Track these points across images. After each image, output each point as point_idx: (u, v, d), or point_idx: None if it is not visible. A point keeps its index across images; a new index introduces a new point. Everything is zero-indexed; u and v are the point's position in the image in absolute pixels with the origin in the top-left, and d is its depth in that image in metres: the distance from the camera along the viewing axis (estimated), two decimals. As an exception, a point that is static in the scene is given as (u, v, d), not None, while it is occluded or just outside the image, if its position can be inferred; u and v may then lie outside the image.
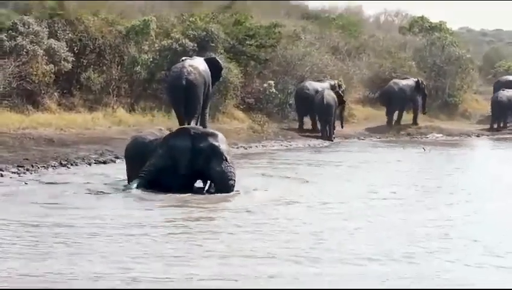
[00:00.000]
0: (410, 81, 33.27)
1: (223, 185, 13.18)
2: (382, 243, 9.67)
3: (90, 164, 17.55)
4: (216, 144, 13.33)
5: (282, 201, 12.92)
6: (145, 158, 13.58)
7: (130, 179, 13.93)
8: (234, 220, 11.12)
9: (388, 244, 9.54)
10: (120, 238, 9.62)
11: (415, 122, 33.29)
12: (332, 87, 29.19)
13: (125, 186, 13.60)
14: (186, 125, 17.30)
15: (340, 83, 30.72)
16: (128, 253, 8.77)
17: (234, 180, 13.26)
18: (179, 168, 13.21)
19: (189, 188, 13.39)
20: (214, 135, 13.59)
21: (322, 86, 29.13)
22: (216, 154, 13.22)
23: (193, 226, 10.59)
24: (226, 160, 13.19)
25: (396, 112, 32.79)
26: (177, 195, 12.90)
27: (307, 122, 29.16)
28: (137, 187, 13.25)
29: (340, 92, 29.06)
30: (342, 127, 29.42)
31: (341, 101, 28.54)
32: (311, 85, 29.34)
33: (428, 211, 12.44)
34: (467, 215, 12.14)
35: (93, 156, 18.34)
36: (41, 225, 10.29)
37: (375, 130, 31.19)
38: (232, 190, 13.24)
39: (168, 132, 14.34)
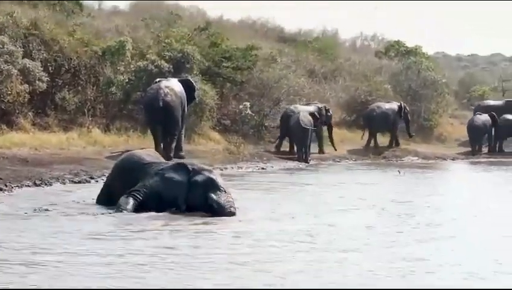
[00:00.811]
0: (393, 105, 33.53)
1: (223, 214, 12.86)
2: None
3: (64, 184, 17.36)
4: (213, 177, 13.22)
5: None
6: (137, 177, 13.41)
7: (110, 194, 13.76)
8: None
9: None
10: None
11: (391, 145, 33.39)
12: (319, 111, 29.43)
13: (118, 206, 13.06)
14: (183, 161, 16.61)
15: (327, 107, 30.80)
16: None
17: (234, 208, 13.00)
18: (179, 203, 13.03)
19: None
20: (209, 170, 13.50)
21: (308, 110, 29.21)
22: (214, 186, 13.10)
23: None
24: (225, 191, 13.07)
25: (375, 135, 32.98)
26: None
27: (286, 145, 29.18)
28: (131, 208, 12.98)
29: (320, 115, 29.20)
30: (335, 149, 30.44)
31: (326, 124, 29.69)
32: (297, 108, 29.31)
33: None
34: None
35: (68, 176, 18.15)
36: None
37: (351, 153, 31.18)
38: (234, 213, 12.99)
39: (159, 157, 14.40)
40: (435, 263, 9.66)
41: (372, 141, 32.82)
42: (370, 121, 32.76)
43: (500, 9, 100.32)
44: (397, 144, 33.51)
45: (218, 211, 12.86)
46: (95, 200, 14.14)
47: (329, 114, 30.54)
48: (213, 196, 12.95)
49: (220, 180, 13.22)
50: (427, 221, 13.41)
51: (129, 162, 13.98)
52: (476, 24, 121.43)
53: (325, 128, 30.42)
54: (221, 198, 12.96)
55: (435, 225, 13.06)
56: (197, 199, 12.98)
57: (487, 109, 37.64)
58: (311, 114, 28.30)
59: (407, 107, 33.95)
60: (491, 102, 39.81)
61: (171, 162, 14.30)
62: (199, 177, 13.12)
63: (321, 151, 30.19)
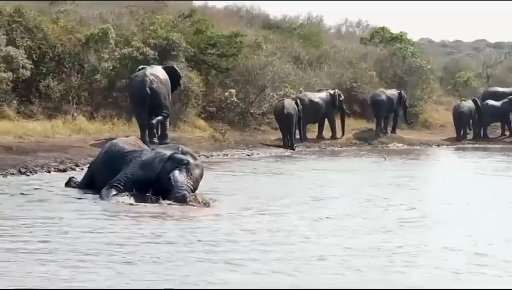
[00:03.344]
0: (394, 92, 34.26)
1: (173, 192, 12.59)
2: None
3: (49, 172, 17.29)
4: (190, 160, 13.05)
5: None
6: (119, 166, 13.40)
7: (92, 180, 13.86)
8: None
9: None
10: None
11: (394, 130, 34.30)
12: (333, 98, 31.12)
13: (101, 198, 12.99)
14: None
15: (339, 92, 32.00)
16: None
17: (188, 196, 12.58)
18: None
19: None
20: (193, 156, 13.38)
21: (320, 96, 31.03)
22: (177, 165, 12.93)
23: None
24: (186, 170, 12.89)
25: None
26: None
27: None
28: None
29: (333, 100, 31.12)
30: (343, 134, 31.67)
31: (339, 109, 31.50)
32: (306, 96, 30.68)
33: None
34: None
35: (53, 164, 18.07)
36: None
37: (338, 140, 31.23)
38: (186, 201, 12.53)
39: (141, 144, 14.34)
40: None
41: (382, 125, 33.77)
42: (377, 106, 33.14)
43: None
44: (394, 131, 34.27)
45: (170, 188, 12.60)
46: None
47: (341, 99, 31.70)
48: (176, 172, 12.77)
49: (193, 167, 12.93)
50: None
51: (111, 151, 14.03)
52: (460, 10, 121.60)
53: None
54: (181, 178, 12.73)
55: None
56: (166, 173, 12.79)
57: (494, 96, 37.83)
58: (295, 101, 28.37)
59: (406, 95, 34.63)
60: (499, 89, 39.79)
61: (151, 148, 14.21)
62: (179, 156, 13.04)
63: (333, 136, 31.28)
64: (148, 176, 12.90)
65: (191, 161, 13.04)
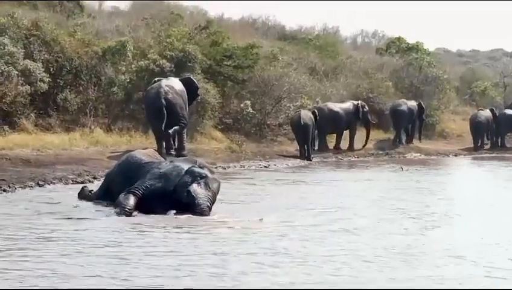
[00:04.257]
0: (414, 103, 34.40)
1: (194, 205, 12.63)
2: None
3: (67, 184, 17.32)
4: (207, 174, 13.05)
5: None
6: (136, 177, 13.43)
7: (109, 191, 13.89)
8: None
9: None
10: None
11: (411, 141, 34.46)
12: (356, 108, 31.25)
13: (118, 203, 12.94)
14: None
15: (363, 103, 32.12)
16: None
17: (210, 204, 12.74)
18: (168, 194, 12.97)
19: None
20: (209, 169, 13.41)
21: (341, 107, 31.23)
22: (195, 178, 12.95)
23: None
24: (204, 184, 12.87)
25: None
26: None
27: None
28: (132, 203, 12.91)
29: (357, 111, 31.27)
30: (364, 145, 31.66)
31: (364, 121, 31.60)
32: (327, 106, 31.07)
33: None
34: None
35: (71, 177, 18.12)
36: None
37: (355, 151, 31.16)
38: (207, 214, 12.63)
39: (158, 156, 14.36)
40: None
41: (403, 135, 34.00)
42: (398, 116, 33.17)
43: (501, 5, 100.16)
44: (410, 141, 34.35)
45: (190, 201, 12.63)
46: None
47: (365, 110, 31.77)
48: (195, 185, 12.80)
49: (211, 181, 12.97)
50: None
51: (128, 162, 14.07)
52: (476, 20, 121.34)
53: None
54: (201, 190, 12.75)
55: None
56: (184, 186, 12.80)
57: None
58: (312, 112, 28.36)
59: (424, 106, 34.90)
60: None
61: (169, 160, 14.23)
62: (196, 170, 13.05)
63: (350, 147, 31.29)
64: (166, 187, 12.91)
65: (209, 174, 13.08)
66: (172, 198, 12.78)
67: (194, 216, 12.45)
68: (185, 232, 11.19)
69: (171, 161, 13.79)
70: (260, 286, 8.11)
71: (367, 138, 31.81)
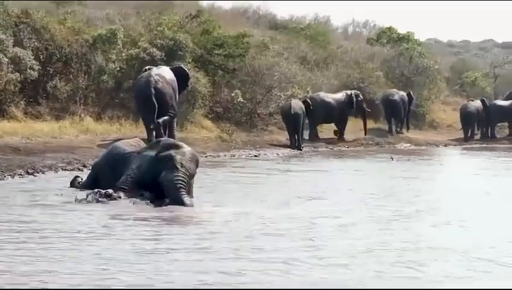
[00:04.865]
0: (403, 93, 34.71)
1: (173, 195, 12.53)
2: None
3: (57, 172, 17.28)
4: (173, 154, 12.96)
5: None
6: (121, 169, 13.43)
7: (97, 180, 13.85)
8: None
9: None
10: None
11: (401, 131, 34.57)
12: (349, 98, 31.40)
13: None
14: (162, 138, 16.50)
15: (357, 93, 32.17)
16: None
17: (185, 190, 12.56)
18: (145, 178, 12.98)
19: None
20: (177, 146, 13.30)
21: (334, 97, 31.34)
22: (164, 164, 12.78)
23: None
24: (178, 169, 12.69)
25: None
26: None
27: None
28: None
29: (350, 101, 31.35)
30: (365, 134, 32.02)
31: (359, 110, 31.80)
32: (319, 96, 31.02)
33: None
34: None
35: (60, 165, 18.09)
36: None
37: (343, 140, 31.20)
38: (183, 201, 12.40)
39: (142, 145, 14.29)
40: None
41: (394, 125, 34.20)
42: (391, 106, 33.39)
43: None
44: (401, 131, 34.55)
45: (166, 192, 12.58)
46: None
47: (360, 99, 31.85)
48: (164, 174, 12.65)
49: (177, 159, 12.74)
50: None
51: (113, 153, 14.08)
52: (467, 10, 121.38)
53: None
54: (171, 177, 12.58)
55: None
56: (158, 174, 12.75)
57: None
58: (304, 101, 28.36)
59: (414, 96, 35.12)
60: None
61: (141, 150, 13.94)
62: (161, 155, 12.92)
63: (340, 137, 31.47)
64: (145, 178, 12.98)
65: (173, 153, 12.91)
66: (154, 188, 12.79)
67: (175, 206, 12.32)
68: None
69: (139, 153, 13.59)
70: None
71: (365, 126, 32.05)
